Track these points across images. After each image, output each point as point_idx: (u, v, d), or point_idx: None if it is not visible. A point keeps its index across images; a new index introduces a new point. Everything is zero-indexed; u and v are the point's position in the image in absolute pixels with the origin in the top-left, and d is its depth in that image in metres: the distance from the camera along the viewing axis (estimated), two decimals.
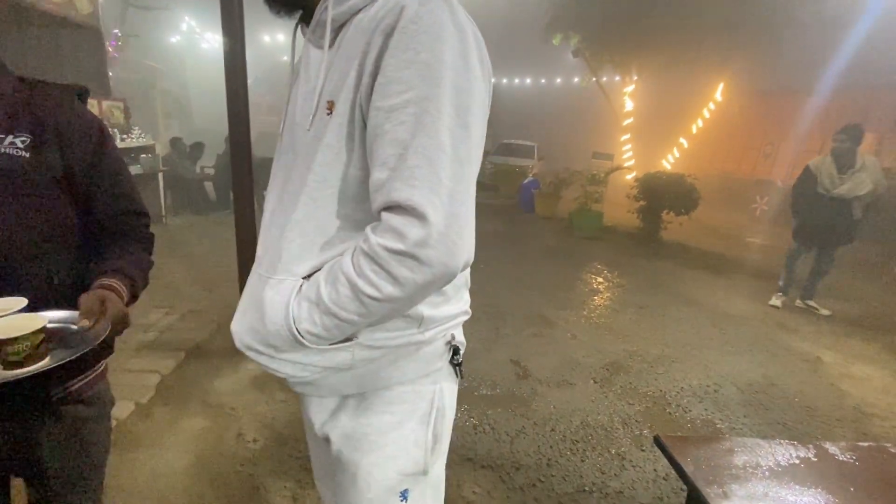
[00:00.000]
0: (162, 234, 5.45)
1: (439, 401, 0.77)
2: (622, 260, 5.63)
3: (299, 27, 0.77)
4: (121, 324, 0.83)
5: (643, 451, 2.13)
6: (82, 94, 0.92)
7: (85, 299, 0.80)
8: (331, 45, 0.66)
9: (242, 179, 2.67)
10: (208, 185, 7.02)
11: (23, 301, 0.76)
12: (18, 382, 0.68)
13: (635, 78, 12.72)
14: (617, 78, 13.39)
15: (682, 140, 12.79)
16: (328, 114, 0.63)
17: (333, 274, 0.61)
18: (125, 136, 5.11)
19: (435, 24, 0.57)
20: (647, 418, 2.39)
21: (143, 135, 5.46)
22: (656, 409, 2.49)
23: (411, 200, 0.54)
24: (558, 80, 19.37)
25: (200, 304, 3.43)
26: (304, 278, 0.65)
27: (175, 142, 6.83)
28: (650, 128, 13.02)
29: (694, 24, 9.36)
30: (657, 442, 1.00)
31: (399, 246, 0.54)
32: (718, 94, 11.97)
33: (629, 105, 13.13)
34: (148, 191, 5.56)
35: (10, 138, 0.79)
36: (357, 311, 0.59)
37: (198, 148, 7.11)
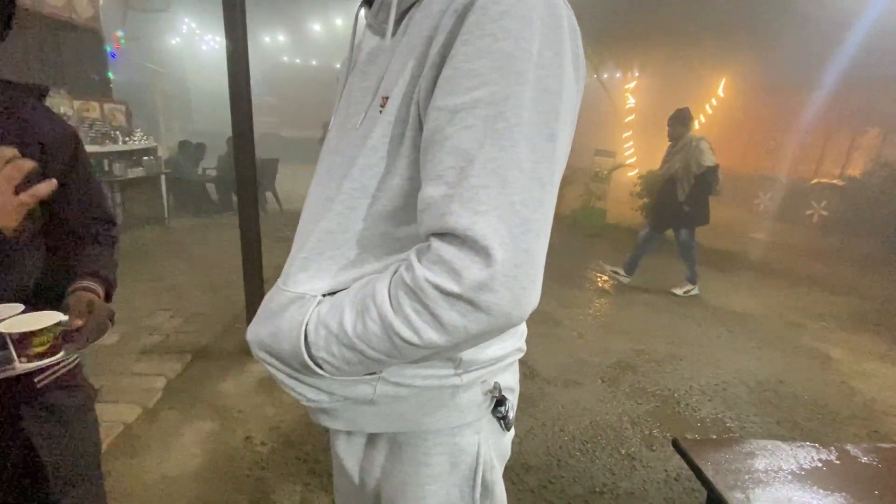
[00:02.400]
0: (165, 236, 5.49)
1: (486, 454, 0.64)
2: (626, 258, 5.60)
3: (362, 9, 0.65)
4: (109, 321, 0.89)
5: (653, 451, 2.11)
6: (44, 93, 0.94)
7: (73, 301, 0.85)
8: (394, 33, 0.55)
9: (246, 180, 2.66)
10: (210, 187, 7.02)
11: (19, 306, 0.80)
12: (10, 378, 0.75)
13: (637, 74, 12.68)
14: (618, 74, 13.35)
15: None
16: (381, 109, 0.53)
17: (362, 302, 0.49)
18: (127, 138, 5.10)
19: (523, 5, 0.45)
20: (657, 418, 2.38)
21: (145, 137, 5.45)
22: (666, 408, 2.48)
23: (472, 230, 0.42)
24: None
25: (205, 307, 3.42)
26: (324, 296, 0.55)
27: (183, 144, 6.84)
28: (652, 124, 12.94)
29: (696, 20, 9.33)
30: (675, 445, 0.99)
31: (452, 287, 0.42)
32: (721, 89, 11.92)
33: (631, 101, 13.10)
34: (150, 193, 5.56)
35: None
36: (386, 352, 0.48)
37: (199, 149, 7.10)
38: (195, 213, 6.55)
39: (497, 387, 0.64)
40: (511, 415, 0.67)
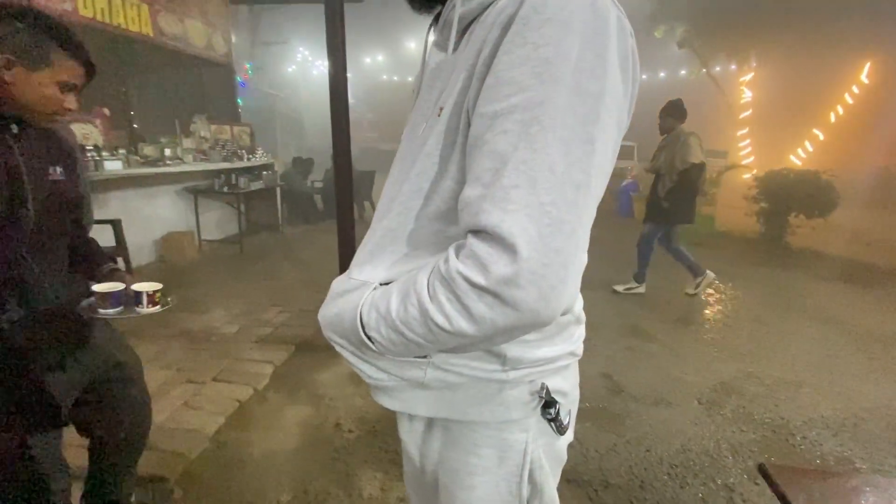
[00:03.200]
0: (279, 241, 6.18)
1: (535, 453, 0.66)
2: (738, 269, 5.03)
3: (431, 28, 0.70)
4: None
5: (757, 484, 1.88)
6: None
7: (127, 277, 1.27)
8: (455, 48, 0.60)
9: (343, 191, 2.91)
10: (317, 197, 7.76)
11: (120, 285, 1.18)
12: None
13: (754, 65, 11.31)
14: (732, 67, 12.02)
15: (815, 132, 11.05)
16: (438, 118, 0.58)
17: (406, 289, 0.53)
18: (251, 156, 5.87)
19: (564, 10, 0.46)
20: (765, 448, 2.11)
21: (265, 154, 6.22)
22: (776, 439, 2.18)
23: (500, 227, 0.44)
24: (662, 75, 17.97)
25: (309, 304, 3.79)
26: (381, 284, 0.61)
27: (297, 161, 7.69)
28: (773, 120, 11.45)
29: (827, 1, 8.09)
30: (761, 470, 0.88)
31: (480, 280, 0.45)
32: (864, 75, 10.15)
33: (747, 95, 11.70)
34: (268, 203, 6.32)
35: (54, 168, 1.11)
36: (424, 337, 0.51)
37: (308, 164, 7.90)
38: (304, 221, 7.28)
39: (545, 388, 0.65)
40: (565, 419, 0.67)
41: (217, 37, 5.89)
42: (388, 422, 2.25)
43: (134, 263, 3.99)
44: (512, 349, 0.60)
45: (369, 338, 0.57)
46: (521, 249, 0.44)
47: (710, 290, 4.30)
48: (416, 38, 14.10)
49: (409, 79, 17.93)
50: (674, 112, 3.82)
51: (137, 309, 1.18)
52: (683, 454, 2.07)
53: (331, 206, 7.68)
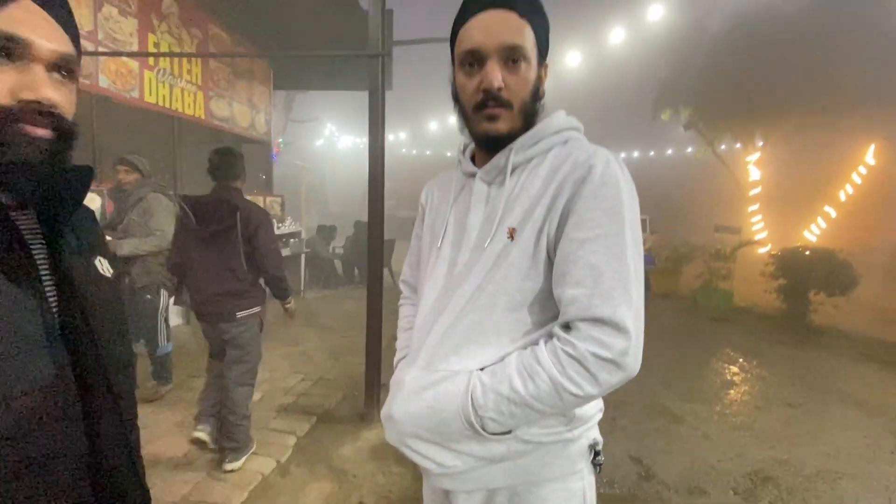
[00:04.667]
0: (300, 306, 6.25)
1: (589, 496, 0.82)
2: (761, 347, 4.94)
3: (466, 154, 0.91)
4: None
5: None
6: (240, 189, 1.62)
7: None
8: (501, 184, 0.81)
9: (375, 259, 3.00)
10: (337, 263, 7.99)
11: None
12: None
13: (760, 144, 11.78)
14: (738, 145, 12.53)
15: (827, 209, 11.22)
16: (509, 238, 0.75)
17: (530, 370, 0.69)
18: (280, 224, 6.18)
19: (614, 178, 0.73)
20: None
21: (293, 223, 6.54)
22: None
23: (615, 316, 0.66)
24: (669, 152, 18.73)
25: (329, 372, 3.81)
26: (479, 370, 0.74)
27: (321, 228, 8.03)
28: (783, 197, 11.70)
29: (831, 85, 8.59)
30: None
31: (606, 353, 0.65)
32: (870, 156, 10.48)
33: (755, 174, 12.06)
34: (292, 269, 6.53)
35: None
36: (552, 404, 0.68)
37: (332, 231, 8.23)
38: (324, 286, 7.45)
39: (595, 440, 0.83)
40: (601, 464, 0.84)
41: (259, 118, 6.48)
42: (409, 500, 2.20)
43: None
44: (575, 409, 0.77)
45: (482, 420, 0.70)
46: (630, 330, 0.67)
47: (735, 370, 4.22)
48: (436, 120, 15.24)
49: (427, 152, 19.03)
50: None
51: None
52: None
53: (350, 272, 7.88)
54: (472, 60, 0.77)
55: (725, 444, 2.87)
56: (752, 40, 9.08)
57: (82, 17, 3.67)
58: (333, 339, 4.76)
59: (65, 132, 0.54)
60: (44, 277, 0.55)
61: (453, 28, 0.82)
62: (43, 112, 0.52)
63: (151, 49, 4.39)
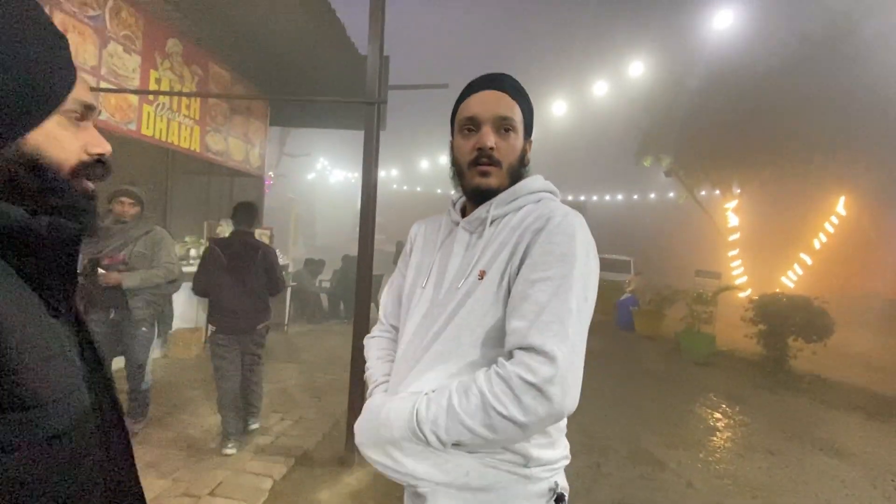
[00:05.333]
0: (283, 340, 6.19)
1: None
2: (743, 392, 4.99)
3: (457, 206, 1.02)
4: None
5: None
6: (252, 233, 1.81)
7: None
8: (480, 235, 0.92)
9: (363, 295, 3.01)
10: (322, 297, 7.91)
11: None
12: None
13: (737, 192, 12.30)
14: (717, 192, 13.06)
15: (803, 256, 11.62)
16: (479, 279, 0.85)
17: (465, 387, 0.76)
18: None
19: (570, 229, 0.82)
20: None
21: (281, 255, 6.53)
22: None
23: (545, 346, 0.71)
24: (652, 196, 19.38)
25: (310, 412, 3.72)
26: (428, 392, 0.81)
27: (308, 262, 8.00)
28: (761, 243, 12.13)
29: (802, 137, 9.11)
30: None
31: (530, 377, 0.70)
32: (840, 207, 11.00)
33: (734, 220, 12.51)
34: (278, 302, 6.45)
35: None
36: (482, 422, 0.72)
37: (319, 265, 8.20)
38: (308, 320, 7.35)
39: (558, 484, 0.86)
40: None
41: (254, 151, 6.58)
42: None
43: None
44: (531, 450, 0.81)
45: (423, 431, 0.75)
46: (557, 359, 0.71)
47: (718, 415, 4.23)
48: (426, 158, 15.67)
49: (418, 188, 19.37)
50: None
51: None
52: None
53: (336, 307, 7.80)
54: (471, 126, 0.92)
55: (709, 492, 2.85)
56: (727, 96, 9.65)
57: (87, 52, 3.78)
58: (315, 376, 4.67)
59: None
60: None
61: (455, 105, 0.97)
62: (103, 162, 0.61)
63: (153, 84, 4.50)
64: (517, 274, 0.81)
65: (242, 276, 2.98)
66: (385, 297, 1.11)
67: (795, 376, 5.65)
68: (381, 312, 1.12)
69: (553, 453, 0.85)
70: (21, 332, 0.47)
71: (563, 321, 0.73)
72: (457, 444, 0.77)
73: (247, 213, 3.13)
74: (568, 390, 0.71)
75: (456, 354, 0.83)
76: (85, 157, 0.58)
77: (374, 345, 1.08)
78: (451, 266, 0.92)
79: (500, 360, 0.75)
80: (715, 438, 3.73)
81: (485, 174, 0.90)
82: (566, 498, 0.86)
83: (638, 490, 2.81)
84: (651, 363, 6.06)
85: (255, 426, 3.22)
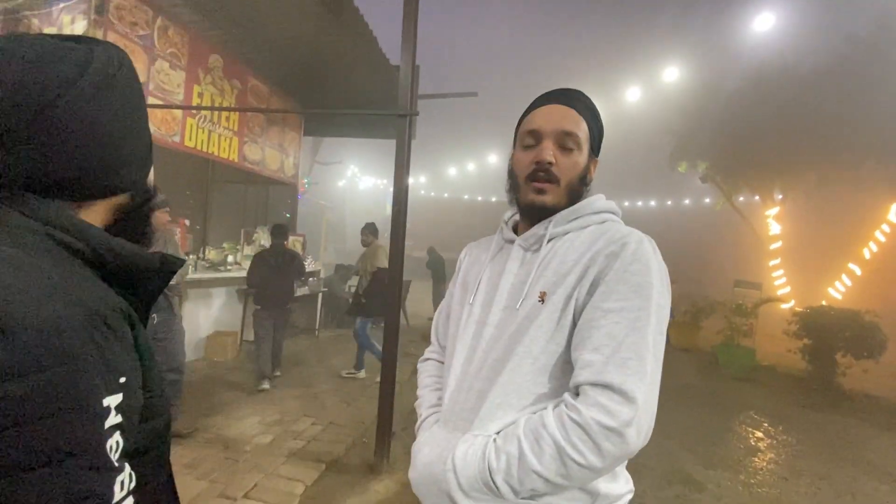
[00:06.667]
0: (314, 345, 6.32)
1: None
2: (787, 411, 4.74)
3: (509, 223, 0.98)
4: None
5: None
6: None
7: None
8: (536, 251, 0.87)
9: (393, 301, 3.05)
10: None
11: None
12: None
13: (779, 198, 11.72)
14: (756, 198, 12.48)
15: (852, 267, 10.96)
16: (539, 301, 0.80)
17: (535, 433, 0.70)
18: None
19: (646, 257, 0.77)
20: None
21: (313, 262, 6.69)
22: None
23: (624, 385, 0.67)
24: (686, 202, 18.75)
25: (340, 417, 3.78)
26: (495, 433, 0.76)
27: (339, 267, 8.17)
28: (805, 252, 11.49)
29: (849, 142, 8.63)
30: None
31: (609, 422, 0.66)
32: (893, 214, 10.32)
33: (775, 228, 11.92)
34: (309, 308, 6.61)
35: None
36: (557, 471, 0.68)
37: (350, 270, 8.34)
38: (338, 325, 7.48)
39: None
40: None
41: (288, 161, 6.79)
42: None
43: None
44: (600, 486, 0.77)
45: (495, 482, 0.71)
46: (638, 399, 0.67)
47: (760, 434, 4.04)
48: (454, 165, 15.74)
49: (445, 195, 19.47)
50: (370, 231, 4.96)
51: None
52: None
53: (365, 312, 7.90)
54: (532, 139, 0.89)
55: None
56: (767, 99, 9.27)
57: (137, 70, 3.99)
58: (346, 381, 4.74)
59: None
60: None
61: (521, 118, 0.94)
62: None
63: (195, 98, 4.73)
64: (585, 298, 0.76)
65: (280, 274, 4.43)
66: (437, 317, 1.10)
67: (844, 395, 5.33)
68: (432, 332, 1.10)
69: (617, 486, 0.81)
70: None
71: (642, 357, 0.69)
72: (531, 494, 0.73)
73: (282, 231, 4.54)
74: (642, 430, 0.68)
75: (523, 387, 0.78)
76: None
77: (424, 370, 1.06)
78: (504, 283, 0.87)
79: (568, 398, 0.71)
80: (756, 459, 3.56)
81: (540, 191, 0.86)
82: None
83: None
84: (688, 378, 5.85)
85: (278, 374, 4.54)
